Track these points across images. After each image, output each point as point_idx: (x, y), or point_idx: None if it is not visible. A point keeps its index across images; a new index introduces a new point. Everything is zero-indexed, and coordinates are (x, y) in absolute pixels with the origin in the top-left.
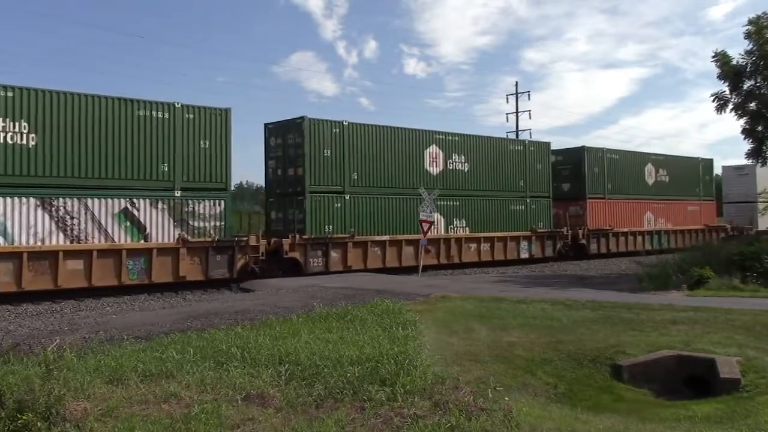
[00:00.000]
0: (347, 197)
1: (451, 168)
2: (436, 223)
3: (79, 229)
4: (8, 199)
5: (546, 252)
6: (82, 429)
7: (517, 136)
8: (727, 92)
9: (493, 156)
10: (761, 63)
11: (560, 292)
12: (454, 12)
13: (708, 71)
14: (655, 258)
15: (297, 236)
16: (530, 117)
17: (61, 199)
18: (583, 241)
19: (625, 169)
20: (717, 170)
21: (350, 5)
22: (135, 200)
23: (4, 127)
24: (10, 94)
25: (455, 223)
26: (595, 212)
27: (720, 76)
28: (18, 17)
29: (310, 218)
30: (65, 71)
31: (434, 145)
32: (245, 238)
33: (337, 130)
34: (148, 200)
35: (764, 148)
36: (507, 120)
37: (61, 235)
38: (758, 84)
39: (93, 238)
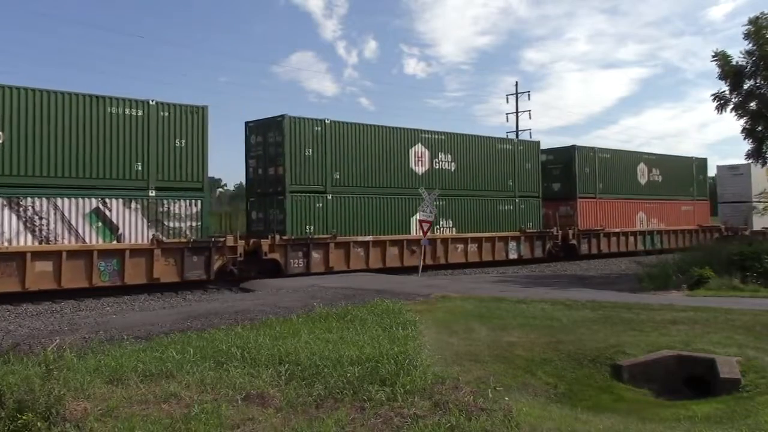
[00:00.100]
0: (329, 197)
1: (437, 167)
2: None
3: (48, 229)
4: None
5: (535, 252)
6: (82, 429)
7: (517, 136)
8: (727, 92)
9: (480, 155)
10: (761, 63)
11: (560, 292)
12: (454, 12)
13: (708, 71)
14: (655, 258)
15: (277, 237)
16: (530, 117)
17: (29, 199)
18: (574, 242)
19: (617, 169)
20: (712, 170)
21: (350, 5)
22: (107, 200)
23: None
24: None
25: (441, 223)
26: (585, 212)
27: (720, 76)
28: (18, 17)
29: (291, 218)
30: (65, 71)
31: (420, 144)
32: (222, 239)
33: (319, 128)
34: (121, 200)
35: (764, 148)
36: (507, 120)
37: (30, 236)
38: (758, 84)
39: (63, 238)
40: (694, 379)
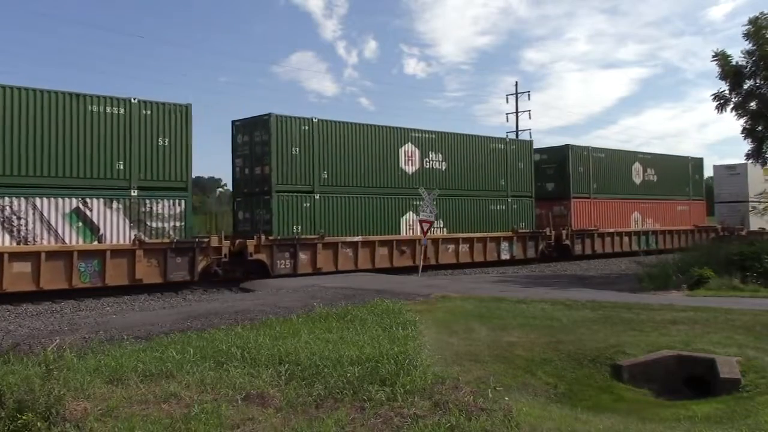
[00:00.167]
0: (317, 197)
1: (427, 167)
2: (412, 223)
3: (27, 229)
4: None
5: (528, 253)
6: (82, 429)
7: (517, 136)
8: (727, 92)
9: (472, 154)
10: (761, 63)
11: (560, 292)
12: (454, 12)
13: (708, 71)
14: (655, 258)
15: (263, 237)
16: (530, 117)
17: (6, 199)
18: (567, 242)
19: (611, 168)
20: (709, 170)
21: (350, 5)
22: (88, 200)
23: None
24: None
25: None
26: (579, 212)
27: (720, 76)
28: (18, 17)
29: (277, 218)
30: (65, 71)
31: (410, 143)
32: (206, 239)
33: (307, 127)
34: (102, 199)
35: (764, 148)
36: (507, 120)
37: (7, 236)
38: (758, 84)
39: (42, 239)
40: (694, 379)
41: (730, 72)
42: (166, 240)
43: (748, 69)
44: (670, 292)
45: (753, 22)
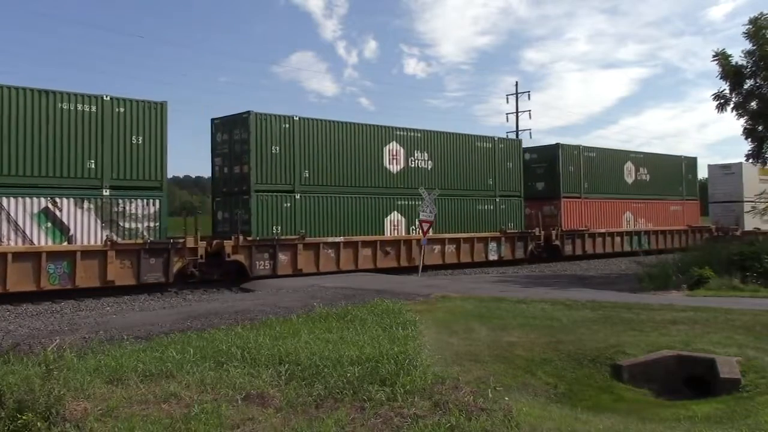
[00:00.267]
0: (298, 196)
1: (413, 166)
2: (396, 223)
3: None
4: None
5: (516, 254)
6: (82, 429)
7: (517, 136)
8: (728, 91)
9: (459, 153)
10: (761, 63)
11: (560, 292)
12: (454, 12)
13: (708, 71)
14: (655, 258)
15: (241, 237)
16: (530, 117)
17: None
18: (557, 243)
19: (602, 168)
20: (703, 169)
21: (350, 5)
22: (57, 199)
23: None
24: None
25: (417, 223)
26: (569, 212)
27: (720, 76)
28: (18, 17)
29: (256, 219)
30: (65, 71)
31: (394, 142)
32: (181, 240)
33: (287, 125)
34: (72, 199)
35: (765, 148)
36: (507, 120)
37: None
38: (758, 84)
39: (9, 240)
40: (694, 379)
41: (730, 72)
42: (140, 241)
43: (748, 69)
44: (670, 292)
45: (753, 22)
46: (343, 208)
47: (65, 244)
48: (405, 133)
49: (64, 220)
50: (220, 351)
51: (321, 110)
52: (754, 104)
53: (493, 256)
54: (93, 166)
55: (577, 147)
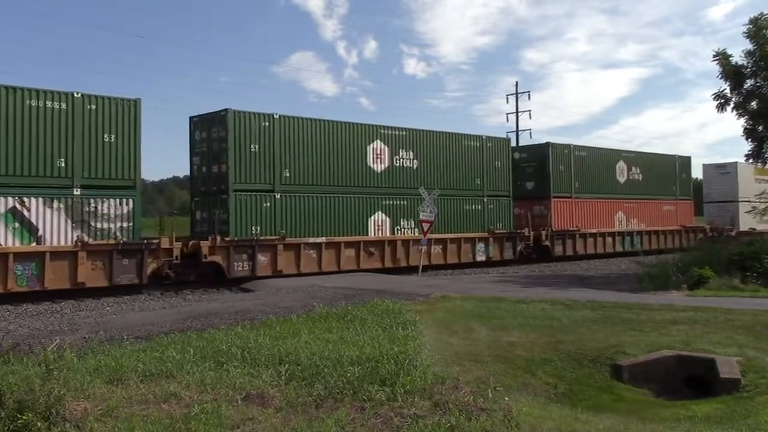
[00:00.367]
0: (278, 196)
1: (397, 165)
2: (380, 224)
3: None
4: None
5: (505, 254)
6: (82, 429)
7: (517, 136)
8: (728, 91)
9: (445, 152)
10: (761, 63)
11: (560, 292)
12: (454, 12)
13: (708, 71)
14: (655, 258)
15: (218, 238)
16: (530, 117)
17: None
18: (547, 243)
19: (594, 167)
20: (698, 169)
21: (350, 5)
22: (26, 199)
23: None
24: None
25: (402, 223)
26: (560, 212)
27: (721, 76)
28: (18, 17)
29: (235, 219)
30: (65, 71)
31: (378, 141)
32: (156, 240)
33: (267, 123)
34: (41, 198)
35: (765, 148)
36: (507, 120)
37: None
38: (759, 84)
39: None
40: (694, 379)
41: (730, 72)
42: (112, 241)
43: (748, 69)
44: (670, 292)
45: (754, 22)
46: (325, 208)
47: (34, 245)
48: (390, 132)
49: (33, 220)
50: (220, 351)
51: (321, 110)
52: (754, 104)
53: (480, 257)
54: (63, 164)
55: (568, 146)
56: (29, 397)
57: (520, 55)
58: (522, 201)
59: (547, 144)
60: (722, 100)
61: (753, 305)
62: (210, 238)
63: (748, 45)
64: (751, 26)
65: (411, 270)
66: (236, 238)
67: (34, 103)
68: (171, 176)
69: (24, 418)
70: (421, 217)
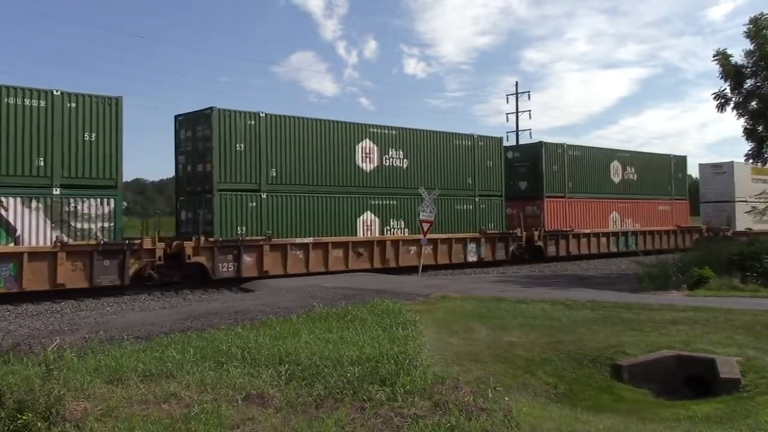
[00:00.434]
0: (264, 196)
1: (387, 164)
2: (369, 224)
3: None
4: None
5: (497, 255)
6: (82, 429)
7: (517, 136)
8: (728, 91)
9: (436, 151)
10: (761, 63)
11: (560, 292)
12: (454, 12)
13: (708, 71)
14: (655, 258)
15: (203, 238)
16: (530, 117)
17: None
18: (540, 243)
19: (588, 167)
20: (694, 168)
21: (350, 5)
22: (3, 198)
23: None
24: None
25: (392, 224)
26: (553, 212)
27: (721, 75)
28: (18, 17)
29: (220, 219)
30: (65, 71)
31: (368, 140)
32: (138, 241)
33: (253, 122)
34: (19, 198)
35: (765, 148)
36: (507, 120)
37: None
38: (759, 84)
39: None
40: (694, 379)
41: (730, 71)
42: (93, 242)
43: (748, 69)
44: (670, 292)
45: (754, 22)
46: (312, 208)
47: (11, 245)
48: (379, 131)
49: (11, 220)
50: (220, 351)
51: (321, 110)
52: (754, 104)
53: (472, 258)
54: (42, 163)
55: (561, 145)
56: (29, 397)
57: (520, 55)
58: (514, 201)
59: (540, 143)
60: (722, 100)
61: (753, 305)
62: (194, 238)
63: (748, 45)
64: (751, 26)
65: (400, 271)
66: (221, 239)
67: (12, 101)
68: (171, 176)
69: (24, 418)
70: (421, 216)
